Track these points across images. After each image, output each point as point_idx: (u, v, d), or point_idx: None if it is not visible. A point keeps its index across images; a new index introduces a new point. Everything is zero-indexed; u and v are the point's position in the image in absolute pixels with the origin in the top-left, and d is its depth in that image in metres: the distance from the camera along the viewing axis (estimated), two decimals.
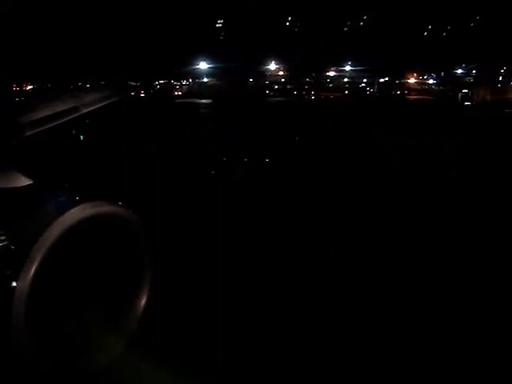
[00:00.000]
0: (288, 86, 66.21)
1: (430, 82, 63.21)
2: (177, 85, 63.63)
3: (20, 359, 2.32)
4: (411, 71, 63.36)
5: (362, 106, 41.96)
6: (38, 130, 2.92)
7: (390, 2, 60.77)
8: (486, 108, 42.80)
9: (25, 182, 2.69)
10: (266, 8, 62.83)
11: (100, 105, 3.32)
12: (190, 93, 59.26)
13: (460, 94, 55.61)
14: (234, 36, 63.78)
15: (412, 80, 64.62)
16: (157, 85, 59.98)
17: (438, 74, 63.58)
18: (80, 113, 3.12)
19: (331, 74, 68.83)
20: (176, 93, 59.81)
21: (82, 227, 2.48)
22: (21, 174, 2.73)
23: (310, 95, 60.84)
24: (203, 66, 62.96)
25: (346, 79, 66.93)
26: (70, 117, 3.08)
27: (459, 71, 63.15)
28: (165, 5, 57.83)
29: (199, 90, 62.59)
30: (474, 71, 60.58)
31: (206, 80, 66.19)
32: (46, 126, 2.96)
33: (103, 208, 2.59)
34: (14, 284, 2.25)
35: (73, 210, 2.45)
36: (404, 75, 64.37)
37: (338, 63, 66.88)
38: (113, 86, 3.70)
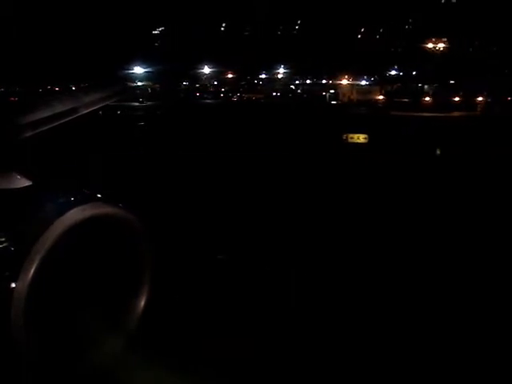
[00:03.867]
0: (221, 89, 68.10)
1: (363, 83, 64.77)
2: None
3: (19, 360, 2.33)
4: (344, 73, 65.03)
5: (282, 105, 44.30)
6: (37, 131, 2.93)
7: (324, 6, 63.29)
8: (347, 107, 45.66)
9: (24, 183, 2.69)
10: (202, 13, 64.43)
11: (99, 105, 3.32)
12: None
13: (328, 94, 58.63)
14: (169, 41, 65.51)
15: (344, 81, 66.09)
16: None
17: (372, 76, 65.60)
18: (79, 114, 3.12)
19: (263, 76, 71.02)
20: None
21: (82, 228, 2.48)
22: (20, 175, 2.74)
23: (234, 97, 62.81)
24: (138, 70, 63.87)
25: (278, 81, 69.24)
26: (70, 118, 3.09)
27: (393, 72, 65.07)
28: (102, 11, 58.68)
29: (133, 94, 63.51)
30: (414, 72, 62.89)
31: (140, 84, 66.89)
32: (46, 127, 2.97)
33: (103, 209, 2.60)
34: (13, 285, 2.25)
35: (72, 211, 2.46)
36: (337, 77, 66.04)
37: (272, 66, 69.00)
38: (112, 86, 3.70)
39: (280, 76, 70.97)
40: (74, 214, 2.46)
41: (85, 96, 3.28)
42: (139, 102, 53.18)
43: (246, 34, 68.98)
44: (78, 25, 56.16)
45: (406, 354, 3.80)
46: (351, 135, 19.41)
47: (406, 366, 3.66)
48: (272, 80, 70.90)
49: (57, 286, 2.47)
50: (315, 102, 54.78)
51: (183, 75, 66.82)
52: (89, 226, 2.51)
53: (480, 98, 45.27)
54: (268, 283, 4.95)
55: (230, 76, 70.00)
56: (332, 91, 61.37)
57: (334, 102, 55.98)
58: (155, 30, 69.13)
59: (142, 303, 2.78)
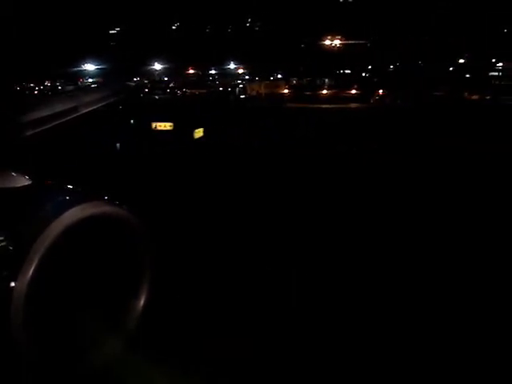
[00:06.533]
0: (171, 85, 69.14)
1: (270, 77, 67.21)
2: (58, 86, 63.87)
3: (19, 360, 2.32)
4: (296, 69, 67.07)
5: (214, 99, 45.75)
6: (37, 130, 2.92)
7: (273, 7, 65.79)
8: (254, 100, 47.23)
9: (24, 181, 2.68)
10: (152, 11, 65.70)
11: (99, 105, 3.32)
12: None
13: (237, 89, 60.23)
14: (122, 39, 66.80)
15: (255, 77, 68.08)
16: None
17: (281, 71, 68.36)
18: (79, 113, 3.12)
19: (213, 71, 72.77)
20: None
21: (81, 227, 2.48)
22: (20, 173, 2.73)
23: (178, 92, 64.11)
24: (90, 67, 64.50)
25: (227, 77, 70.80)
26: (70, 117, 3.08)
27: (299, 67, 67.29)
28: (57, 7, 58.87)
29: None
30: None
31: (91, 80, 67.11)
32: (46, 126, 2.96)
33: (102, 208, 2.59)
34: (13, 284, 2.25)
35: (72, 210, 2.45)
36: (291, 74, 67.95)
37: (222, 62, 70.62)
38: (111, 86, 3.71)
39: (233, 72, 72.84)
40: (74, 213, 2.45)
41: (85, 95, 3.28)
42: None
43: (202, 31, 71.34)
44: (33, 21, 56.14)
45: (406, 353, 3.79)
46: (159, 123, 20.94)
47: (405, 365, 3.65)
48: (222, 75, 72.28)
49: (56, 285, 2.46)
50: (227, 95, 56.33)
51: (135, 72, 67.86)
52: (88, 225, 2.51)
53: (380, 91, 48.88)
54: (268, 283, 4.94)
55: (186, 72, 71.77)
56: (240, 86, 63.05)
57: (243, 96, 57.70)
58: (110, 28, 70.70)
59: (142, 303, 2.77)
